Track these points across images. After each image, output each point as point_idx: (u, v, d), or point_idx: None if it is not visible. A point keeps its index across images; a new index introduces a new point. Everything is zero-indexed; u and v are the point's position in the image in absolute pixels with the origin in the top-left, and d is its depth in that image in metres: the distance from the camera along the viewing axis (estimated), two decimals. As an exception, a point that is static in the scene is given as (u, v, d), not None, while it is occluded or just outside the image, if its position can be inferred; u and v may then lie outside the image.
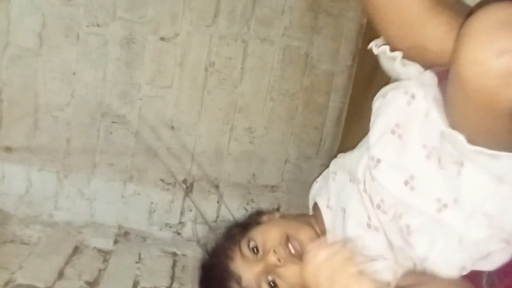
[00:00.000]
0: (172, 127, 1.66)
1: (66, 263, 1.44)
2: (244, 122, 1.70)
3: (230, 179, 1.73)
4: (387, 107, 0.83)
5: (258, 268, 0.97)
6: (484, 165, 0.74)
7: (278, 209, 1.77)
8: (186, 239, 1.72)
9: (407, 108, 0.81)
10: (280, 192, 1.77)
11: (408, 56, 0.82)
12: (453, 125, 0.74)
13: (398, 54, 0.82)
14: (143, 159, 1.66)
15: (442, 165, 0.79)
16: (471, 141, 0.71)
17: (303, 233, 0.99)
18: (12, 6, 1.51)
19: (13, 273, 1.34)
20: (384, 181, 0.82)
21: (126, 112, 1.63)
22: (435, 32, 0.76)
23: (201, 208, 1.71)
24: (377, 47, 0.86)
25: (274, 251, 0.95)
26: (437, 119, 0.77)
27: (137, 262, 1.53)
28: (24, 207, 1.63)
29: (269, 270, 0.96)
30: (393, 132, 0.82)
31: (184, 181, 1.71)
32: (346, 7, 1.64)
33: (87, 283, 1.38)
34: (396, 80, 0.87)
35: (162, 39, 1.59)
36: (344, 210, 0.94)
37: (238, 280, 0.99)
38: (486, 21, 0.62)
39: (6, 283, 1.30)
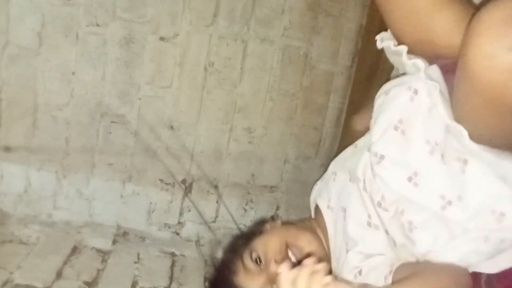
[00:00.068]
0: (172, 127, 1.66)
1: (65, 263, 1.44)
2: (244, 122, 1.70)
3: (229, 179, 1.73)
4: (390, 103, 0.83)
5: (261, 279, 0.98)
6: (489, 163, 0.73)
7: (278, 209, 1.77)
8: (185, 239, 1.71)
9: (410, 104, 0.81)
10: (279, 192, 1.77)
11: (414, 50, 0.82)
12: (459, 120, 0.73)
13: (403, 48, 0.82)
14: (142, 159, 1.66)
15: (446, 161, 0.78)
16: (476, 136, 0.71)
17: (302, 239, 1.00)
18: (12, 6, 1.51)
19: (11, 273, 1.33)
20: (387, 177, 0.82)
21: (126, 112, 1.62)
22: (444, 24, 0.76)
23: (200, 208, 1.71)
24: (382, 41, 0.86)
25: (275, 261, 0.96)
26: (442, 113, 0.77)
27: (135, 262, 1.53)
28: (22, 206, 1.62)
29: (272, 279, 0.96)
30: (396, 128, 0.82)
31: (183, 181, 1.70)
32: (346, 7, 1.65)
33: (86, 283, 1.37)
34: (398, 75, 0.86)
35: (162, 39, 1.59)
36: (344, 210, 0.94)
37: None
38: (497, 15, 0.62)
39: (4, 283, 1.29)
